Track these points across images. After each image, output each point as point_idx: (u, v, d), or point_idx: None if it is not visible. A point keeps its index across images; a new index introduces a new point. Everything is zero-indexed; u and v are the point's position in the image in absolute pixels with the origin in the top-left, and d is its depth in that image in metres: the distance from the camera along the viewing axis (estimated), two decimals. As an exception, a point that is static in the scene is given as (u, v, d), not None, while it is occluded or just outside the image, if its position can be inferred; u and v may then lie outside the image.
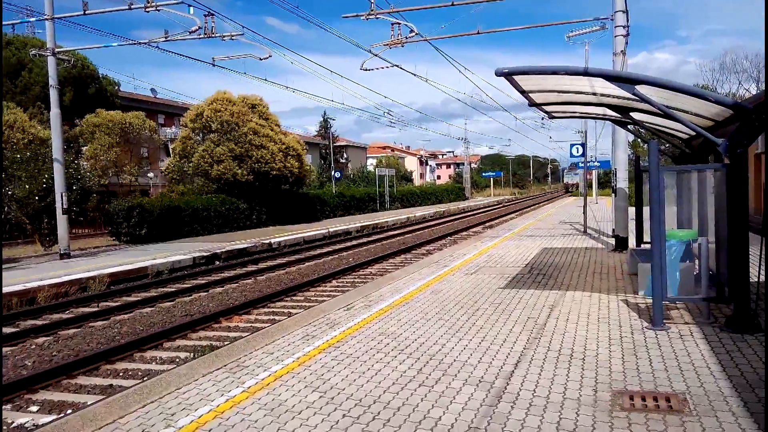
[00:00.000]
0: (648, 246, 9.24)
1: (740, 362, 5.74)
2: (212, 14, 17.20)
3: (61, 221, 19.15)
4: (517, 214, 40.80)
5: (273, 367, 6.16)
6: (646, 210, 10.61)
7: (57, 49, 19.58)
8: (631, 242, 14.37)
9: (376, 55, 19.19)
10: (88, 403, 6.54)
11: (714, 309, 7.79)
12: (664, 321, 7.23)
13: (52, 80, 19.23)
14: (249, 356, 6.59)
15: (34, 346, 9.49)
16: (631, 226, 14.29)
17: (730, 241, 6.69)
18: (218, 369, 6.17)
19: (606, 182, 60.22)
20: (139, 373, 7.97)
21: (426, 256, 18.19)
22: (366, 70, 20.39)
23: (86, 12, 17.51)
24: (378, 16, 17.10)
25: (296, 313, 10.00)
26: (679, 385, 5.18)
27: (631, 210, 14.61)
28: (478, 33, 18.14)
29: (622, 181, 15.46)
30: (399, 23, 17.82)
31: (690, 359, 5.91)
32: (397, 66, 21.00)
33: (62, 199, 19.03)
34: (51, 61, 19.19)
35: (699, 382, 5.24)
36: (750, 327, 6.76)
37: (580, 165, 25.50)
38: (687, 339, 6.66)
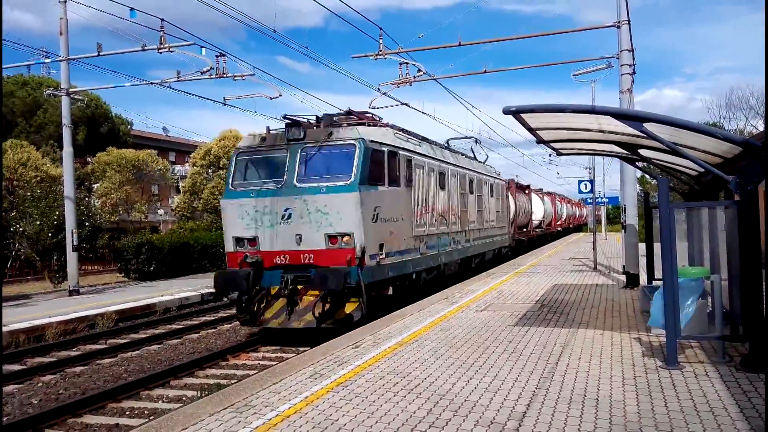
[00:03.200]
0: (660, 282, 9.14)
1: (757, 403, 5.61)
2: (223, 55, 17.51)
3: (71, 258, 19.21)
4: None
5: (281, 406, 6.07)
6: (656, 246, 10.53)
7: (71, 89, 19.96)
8: (643, 279, 14.22)
9: (384, 94, 19.42)
10: (94, 444, 6.47)
11: (729, 347, 7.64)
12: (678, 360, 7.10)
13: (66, 119, 19.54)
14: (256, 395, 6.51)
15: (40, 384, 9.43)
16: (642, 262, 14.17)
17: (743, 278, 6.61)
18: (225, 408, 6.09)
19: (615, 218, 59.68)
20: (146, 412, 7.88)
21: (434, 291, 18.05)
22: (375, 108, 20.50)
23: (100, 53, 17.89)
24: (386, 56, 17.37)
25: (304, 350, 9.91)
26: (696, 427, 5.06)
27: (642, 246, 14.52)
28: (486, 72, 18.33)
29: (632, 217, 15.40)
30: (407, 63, 18.08)
31: (706, 400, 5.78)
32: (405, 104, 21.22)
33: (72, 236, 19.13)
34: (65, 101, 19.54)
35: (716, 424, 5.11)
36: (766, 366, 6.62)
37: (588, 201, 25.22)
38: (702, 378, 6.53)
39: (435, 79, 19.05)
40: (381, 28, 17.19)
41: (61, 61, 19.30)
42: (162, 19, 16.60)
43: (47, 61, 20.95)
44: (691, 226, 10.20)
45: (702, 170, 9.38)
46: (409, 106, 21.74)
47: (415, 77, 18.32)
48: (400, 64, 18.18)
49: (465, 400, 6.01)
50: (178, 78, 18.55)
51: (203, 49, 17.25)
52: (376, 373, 7.20)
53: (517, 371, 7.07)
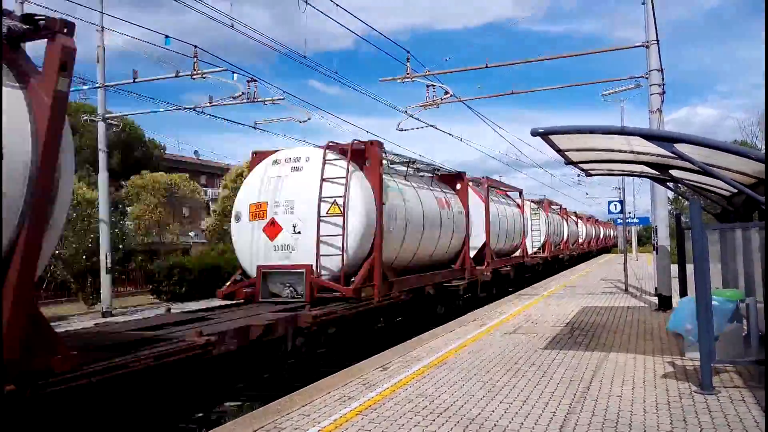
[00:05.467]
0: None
1: (798, 430, 5.46)
2: (254, 80, 17.92)
3: (105, 280, 19.62)
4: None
5: (310, 429, 6.09)
6: (689, 267, 10.36)
7: (107, 115, 20.56)
8: (675, 301, 13.96)
9: (411, 116, 19.58)
10: (127, 464, 6.55)
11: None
12: (714, 385, 6.95)
13: (102, 144, 20.11)
14: (285, 418, 6.54)
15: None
16: (674, 284, 13.92)
17: (780, 301, 6.48)
18: (255, 431, 6.13)
19: (647, 238, 58.52)
20: None
21: (462, 314, 17.94)
22: (402, 130, 20.76)
23: (136, 80, 18.41)
24: (414, 79, 17.54)
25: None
26: (733, 454, 4.95)
27: (674, 267, 14.27)
28: (513, 93, 18.38)
29: (664, 239, 15.16)
30: (434, 85, 18.23)
31: (743, 426, 5.65)
32: (432, 126, 21.35)
33: (107, 258, 19.55)
34: (101, 127, 20.13)
35: (754, 451, 4.99)
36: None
37: (618, 221, 24.84)
38: (738, 404, 6.37)
39: (462, 101, 19.17)
40: (408, 52, 17.43)
41: (98, 87, 19.90)
42: (195, 46, 17.09)
43: (84, 87, 21.57)
44: (724, 247, 10.02)
45: (735, 191, 9.24)
46: (436, 128, 21.87)
47: (442, 99, 18.46)
48: (427, 86, 18.34)
49: (495, 425, 5.96)
50: (210, 103, 18.99)
51: (235, 74, 17.66)
52: (405, 396, 7.18)
53: (548, 395, 6.99)
